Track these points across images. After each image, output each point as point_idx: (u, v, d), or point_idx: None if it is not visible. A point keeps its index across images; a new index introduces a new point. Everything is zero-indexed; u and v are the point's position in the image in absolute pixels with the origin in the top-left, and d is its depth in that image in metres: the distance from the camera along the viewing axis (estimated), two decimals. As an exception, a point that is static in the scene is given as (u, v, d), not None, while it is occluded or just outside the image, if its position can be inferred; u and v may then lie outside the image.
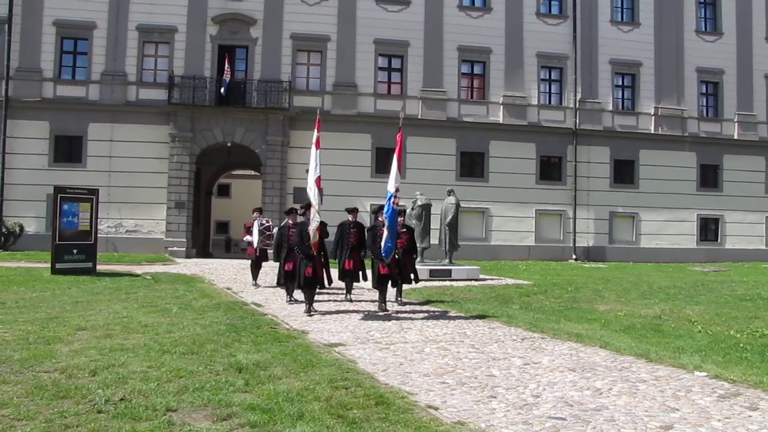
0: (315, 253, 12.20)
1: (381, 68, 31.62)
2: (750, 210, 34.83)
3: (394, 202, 11.90)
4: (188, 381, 6.78)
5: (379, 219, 13.04)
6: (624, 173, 33.58)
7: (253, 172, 35.00)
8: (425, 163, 30.57)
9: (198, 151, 29.30)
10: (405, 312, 12.84)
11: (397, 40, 31.30)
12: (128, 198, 28.52)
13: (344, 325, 11.12)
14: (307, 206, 12.46)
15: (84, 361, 7.50)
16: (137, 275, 18.80)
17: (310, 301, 12.44)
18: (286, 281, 13.81)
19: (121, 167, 28.54)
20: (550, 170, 32.81)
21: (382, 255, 12.31)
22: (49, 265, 18.62)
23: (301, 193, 29.37)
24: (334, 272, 14.40)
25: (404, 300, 14.34)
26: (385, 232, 11.96)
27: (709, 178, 34.86)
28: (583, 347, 9.39)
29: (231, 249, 38.99)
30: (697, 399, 6.72)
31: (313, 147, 12.47)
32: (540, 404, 6.45)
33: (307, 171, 12.26)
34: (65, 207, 18.58)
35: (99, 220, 21.30)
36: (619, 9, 34.46)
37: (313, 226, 11.82)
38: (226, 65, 28.59)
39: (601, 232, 33.04)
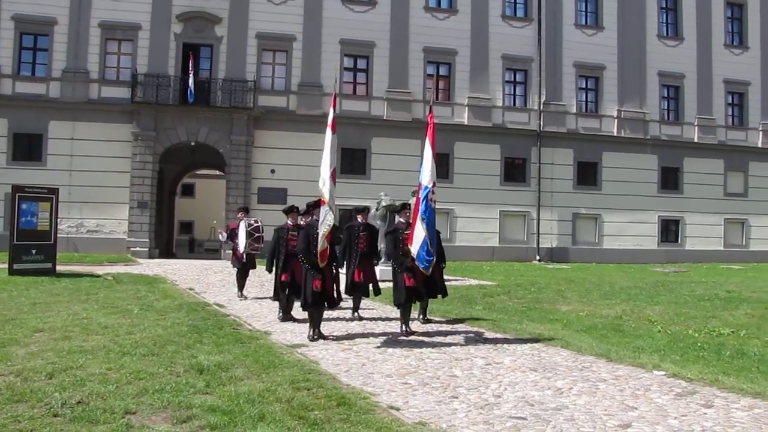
0: (323, 264, 9.75)
1: (347, 68, 31.57)
2: (709, 212, 35.43)
3: (432, 200, 9.81)
4: (148, 383, 6.71)
5: (400, 220, 11.31)
6: (587, 175, 33.95)
7: (217, 172, 34.74)
8: (390, 164, 30.58)
9: (161, 151, 28.97)
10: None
11: (362, 40, 31.27)
12: (90, 197, 28.07)
13: (307, 326, 11.04)
14: (314, 205, 10.31)
15: (40, 364, 7.37)
16: (98, 276, 18.52)
17: (316, 323, 10.09)
18: (283, 294, 11.65)
19: (82, 166, 28.08)
20: (514, 172, 33.05)
21: (412, 264, 10.06)
22: (6, 265, 18.23)
23: (266, 193, 29.30)
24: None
25: (429, 317, 11.97)
26: (421, 236, 9.65)
27: (670, 180, 35.40)
28: (544, 347, 9.48)
29: (195, 249, 38.61)
30: (655, 397, 6.84)
31: (329, 130, 10.26)
32: (501, 404, 6.50)
33: (325, 165, 9.80)
34: (24, 206, 18.23)
35: (59, 219, 20.93)
36: (584, 13, 34.83)
37: (323, 231, 9.49)
38: (191, 65, 28.27)
39: (564, 234, 33.36)
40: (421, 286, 10.46)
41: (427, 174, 9.96)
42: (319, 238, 9.52)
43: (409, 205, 10.99)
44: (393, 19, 31.71)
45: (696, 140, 35.70)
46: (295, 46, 30.68)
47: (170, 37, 29.50)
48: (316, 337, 9.87)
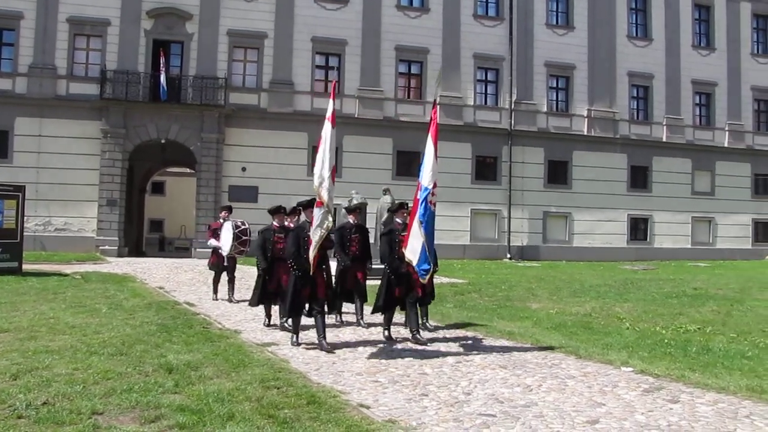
0: (314, 268, 9.00)
1: (318, 66, 31.47)
2: (677, 210, 35.88)
3: (431, 202, 9.12)
4: (116, 383, 6.66)
5: (397, 221, 10.49)
6: (558, 174, 34.20)
7: (188, 170, 34.44)
8: (361, 162, 30.55)
9: (131, 148, 28.64)
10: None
11: (334, 38, 31.19)
12: (57, 195, 27.68)
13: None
14: (307, 205, 9.49)
15: (5, 365, 7.26)
16: (66, 275, 18.28)
17: (297, 330, 9.49)
18: (270, 301, 10.99)
19: (49, 163, 27.66)
20: (485, 170, 33.19)
21: (408, 270, 9.49)
22: (-29, 264, 17.95)
23: (236, 192, 29.11)
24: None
25: (431, 324, 11.11)
26: (419, 241, 8.96)
27: (639, 179, 35.80)
28: (514, 344, 9.53)
29: (165, 248, 38.24)
30: (623, 394, 6.92)
31: (328, 124, 9.31)
32: (471, 401, 6.54)
33: (323, 161, 8.98)
34: (-11, 204, 17.96)
35: (26, 217, 20.64)
36: (554, 13, 35.09)
37: (320, 235, 8.76)
38: (162, 61, 27.98)
39: (535, 232, 33.58)
40: (418, 294, 9.82)
41: (427, 174, 9.30)
42: (314, 243, 8.79)
43: (407, 204, 10.31)
44: (365, 17, 31.67)
45: (664, 140, 36.13)
46: (267, 44, 30.53)
47: (140, 33, 29.18)
48: (300, 343, 9.32)
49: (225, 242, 13.73)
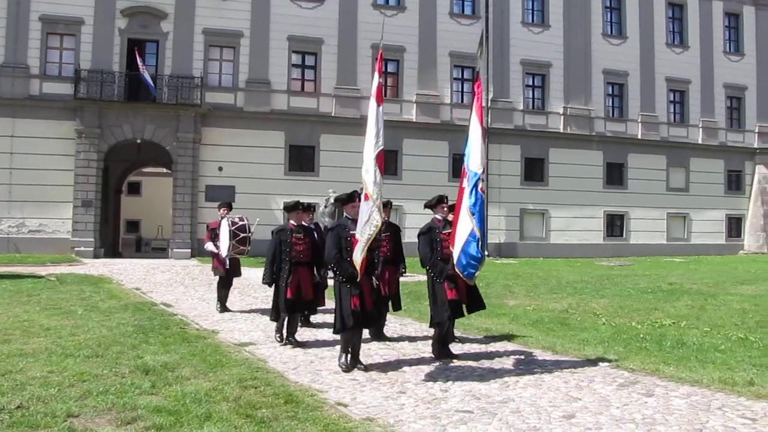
0: (361, 273, 7.55)
1: (295, 65, 31.39)
2: (652, 207, 36.23)
3: (482, 189, 7.93)
4: (92, 385, 6.61)
5: (437, 216, 8.91)
6: (534, 171, 34.39)
7: (164, 170, 34.20)
8: (339, 161, 30.44)
9: (106, 148, 28.36)
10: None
11: (311, 37, 31.11)
12: (32, 196, 27.31)
13: (255, 324, 11.01)
14: (347, 199, 8.24)
15: (-22, 369, 7.18)
16: (41, 277, 18.08)
17: (356, 348, 7.92)
18: (286, 314, 9.34)
19: (23, 164, 27.27)
20: (462, 168, 33.17)
21: (454, 272, 8.07)
22: (-57, 267, 17.73)
23: (213, 191, 28.94)
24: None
25: (461, 336, 9.92)
26: (465, 236, 7.77)
27: (615, 176, 36.10)
28: (492, 341, 9.58)
29: (142, 248, 37.94)
30: (599, 388, 6.99)
31: (373, 102, 7.97)
32: (448, 398, 6.57)
33: (368, 146, 7.88)
34: (-38, 206, 17.74)
35: (-1, 219, 20.41)
36: (530, 11, 35.27)
37: (369, 234, 7.38)
38: (139, 60, 27.70)
39: (512, 229, 33.73)
40: (464, 297, 8.43)
41: (475, 157, 8.01)
42: (361, 243, 7.40)
43: (447, 198, 9.14)
44: (341, 16, 31.63)
45: (640, 137, 36.47)
46: (243, 43, 30.39)
47: (114, 32, 28.91)
48: (352, 365, 7.76)
49: (223, 243, 12.13)
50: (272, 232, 9.63)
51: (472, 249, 7.74)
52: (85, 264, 23.90)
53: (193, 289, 16.32)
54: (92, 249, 27.24)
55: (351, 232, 7.71)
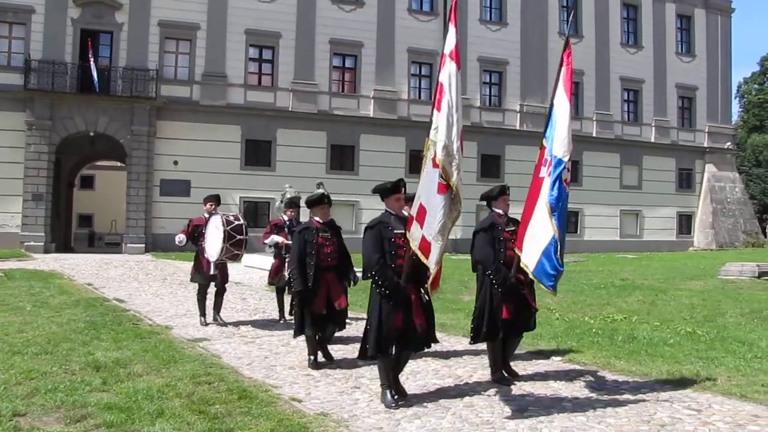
0: (436, 286, 6.23)
1: (252, 59, 31.17)
2: (606, 204, 36.81)
3: (566, 181, 6.61)
4: (40, 383, 6.46)
5: (495, 211, 7.50)
6: (490, 167, 34.63)
7: (118, 164, 33.68)
8: (295, 156, 30.37)
9: (58, 141, 27.82)
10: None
11: (268, 31, 30.89)
12: (-21, 189, 26.72)
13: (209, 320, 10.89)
14: (392, 189, 6.73)
15: None
16: (-12, 271, 17.67)
17: (395, 372, 6.39)
18: (312, 330, 7.76)
19: (-29, 156, 26.68)
20: (419, 164, 32.64)
21: (520, 279, 7.00)
22: None
23: (168, 185, 28.61)
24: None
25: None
26: (547, 237, 6.32)
27: (570, 173, 36.45)
28: (446, 336, 9.62)
29: (95, 243, 37.33)
30: (551, 382, 7.06)
31: (450, 63, 6.32)
32: (403, 393, 6.56)
33: (447, 121, 6.40)
34: None
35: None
36: (488, 9, 35.53)
37: (444, 234, 6.04)
38: (90, 52, 27.19)
39: (468, 225, 33.70)
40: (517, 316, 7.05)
41: (561, 140, 6.63)
42: (437, 246, 5.89)
43: (508, 187, 7.79)
44: (299, 10, 31.47)
45: (594, 135, 37.02)
46: (199, 35, 30.05)
47: (67, 22, 28.31)
48: (396, 400, 6.13)
49: (212, 245, 10.18)
50: (296, 232, 8.09)
51: (554, 259, 6.18)
52: (35, 259, 23.41)
53: (147, 285, 16.11)
54: (43, 244, 26.71)
55: (396, 231, 6.31)
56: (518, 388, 6.80)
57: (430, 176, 6.11)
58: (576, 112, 36.91)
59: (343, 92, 32.53)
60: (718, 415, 5.90)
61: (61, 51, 28.07)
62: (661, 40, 39.22)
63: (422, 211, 6.01)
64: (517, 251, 6.66)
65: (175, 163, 29.06)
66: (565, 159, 6.46)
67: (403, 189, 6.73)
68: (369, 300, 6.47)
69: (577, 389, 6.80)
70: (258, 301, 13.51)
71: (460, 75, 6.34)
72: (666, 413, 5.94)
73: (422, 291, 6.34)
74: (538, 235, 6.34)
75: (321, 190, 7.20)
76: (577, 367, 7.79)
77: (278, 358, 8.16)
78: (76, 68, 28.05)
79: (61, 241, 29.81)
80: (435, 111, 6.36)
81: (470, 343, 7.47)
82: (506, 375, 7.14)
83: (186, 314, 11.45)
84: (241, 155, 30.12)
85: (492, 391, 6.69)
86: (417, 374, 7.32)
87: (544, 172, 6.58)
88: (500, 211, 7.46)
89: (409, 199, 6.76)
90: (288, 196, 20.20)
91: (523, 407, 6.13)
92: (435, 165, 6.11)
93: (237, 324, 10.58)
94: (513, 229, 7.19)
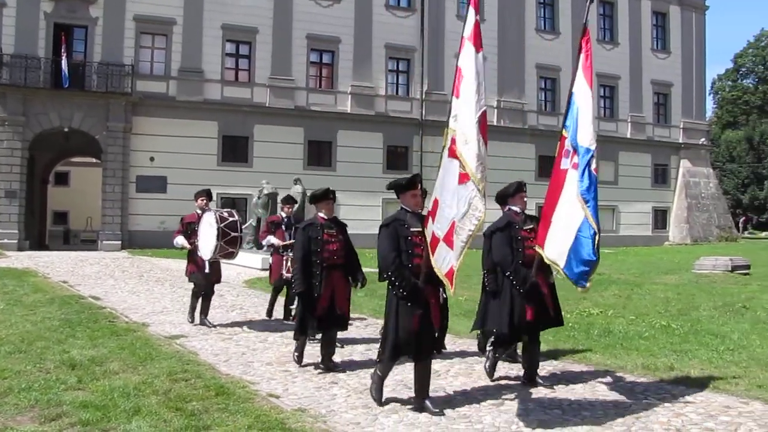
0: (453, 285, 5.71)
1: (229, 54, 30.96)
2: (582, 199, 37.00)
3: (595, 170, 6.03)
4: (14, 381, 6.42)
5: (513, 209, 7.17)
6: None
7: (93, 160, 33.32)
8: (273, 152, 30.23)
9: (31, 137, 27.44)
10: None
11: (245, 26, 30.69)
12: (-49, 186, 26.31)
13: (185, 317, 10.82)
14: (408, 185, 6.41)
15: None
16: (-40, 269, 17.44)
17: (425, 387, 6.02)
18: (314, 331, 7.74)
19: (-58, 152, 26.23)
20: (396, 160, 33.37)
21: (540, 280, 6.77)
22: None
23: (144, 182, 28.39)
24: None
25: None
26: (573, 231, 5.93)
27: (547, 168, 36.30)
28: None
29: (70, 240, 36.90)
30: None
31: (469, 47, 6.23)
32: (380, 388, 6.58)
33: (467, 107, 5.89)
34: None
35: None
36: (465, 4, 35.45)
37: (467, 231, 5.77)
38: (63, 47, 26.83)
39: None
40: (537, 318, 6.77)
41: (586, 129, 6.22)
42: (461, 245, 5.72)
43: (525, 184, 7.41)
44: (276, 5, 31.30)
45: (570, 131, 37.17)
46: (176, 30, 29.78)
47: (40, 16, 27.90)
48: (437, 409, 5.85)
49: (205, 242, 9.76)
50: (300, 228, 7.74)
51: (586, 248, 5.81)
52: (8, 257, 23.10)
53: (123, 282, 15.98)
54: (16, 241, 26.34)
55: (413, 229, 6.08)
56: (495, 383, 6.85)
57: (446, 167, 5.75)
58: (552, 108, 37.24)
59: (320, 88, 32.45)
60: (691, 406, 6.00)
61: (34, 45, 27.67)
62: (637, 37, 39.54)
63: (435, 206, 5.75)
64: (538, 249, 6.34)
65: (152, 159, 28.82)
66: (593, 148, 6.06)
67: (419, 185, 6.40)
68: (386, 301, 6.24)
69: (553, 383, 6.85)
70: (235, 298, 13.49)
71: (480, 58, 6.10)
72: (640, 405, 6.02)
73: (441, 290, 6.12)
74: (566, 229, 5.97)
75: (324, 188, 6.66)
76: (554, 361, 7.86)
77: (255, 354, 8.15)
78: (49, 63, 27.66)
79: (35, 238, 29.46)
80: (453, 98, 5.96)
81: (487, 347, 7.23)
82: (540, 381, 6.83)
83: (162, 311, 11.40)
84: (218, 151, 29.95)
85: (469, 385, 6.73)
86: (395, 369, 7.31)
87: (566, 163, 6.24)
88: (517, 209, 7.15)
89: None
90: (265, 192, 20.18)
91: (499, 401, 6.18)
92: (452, 155, 5.73)
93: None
94: (531, 227, 6.88)
